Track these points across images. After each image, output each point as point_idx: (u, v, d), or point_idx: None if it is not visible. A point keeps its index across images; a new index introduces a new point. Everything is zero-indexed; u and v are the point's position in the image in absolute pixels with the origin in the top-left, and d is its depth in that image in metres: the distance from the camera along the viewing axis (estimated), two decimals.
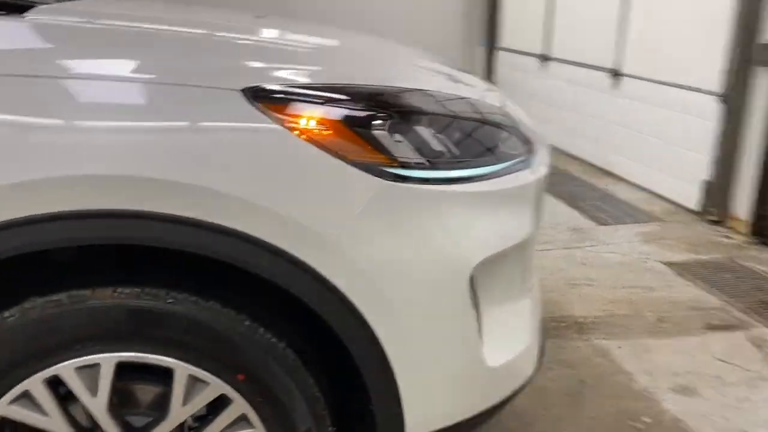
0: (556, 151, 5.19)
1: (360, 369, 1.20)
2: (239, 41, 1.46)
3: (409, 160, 1.19)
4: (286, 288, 1.14)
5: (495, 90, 1.70)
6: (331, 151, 1.11)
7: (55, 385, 1.15)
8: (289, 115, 1.11)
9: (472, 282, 1.31)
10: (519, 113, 1.66)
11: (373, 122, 1.18)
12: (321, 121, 1.13)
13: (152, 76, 1.10)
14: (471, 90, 1.55)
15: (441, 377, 1.28)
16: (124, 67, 1.11)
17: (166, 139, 1.06)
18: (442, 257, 1.22)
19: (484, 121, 1.43)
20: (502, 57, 6.29)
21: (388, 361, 1.20)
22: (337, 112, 1.16)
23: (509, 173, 1.41)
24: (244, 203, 1.07)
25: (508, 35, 6.17)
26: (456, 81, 1.61)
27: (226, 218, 1.06)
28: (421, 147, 1.24)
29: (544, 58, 5.36)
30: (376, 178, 1.14)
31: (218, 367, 1.16)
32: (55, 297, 1.10)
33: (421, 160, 1.21)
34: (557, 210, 3.77)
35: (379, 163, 1.15)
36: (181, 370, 1.15)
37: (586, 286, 2.83)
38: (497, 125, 1.45)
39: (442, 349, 1.27)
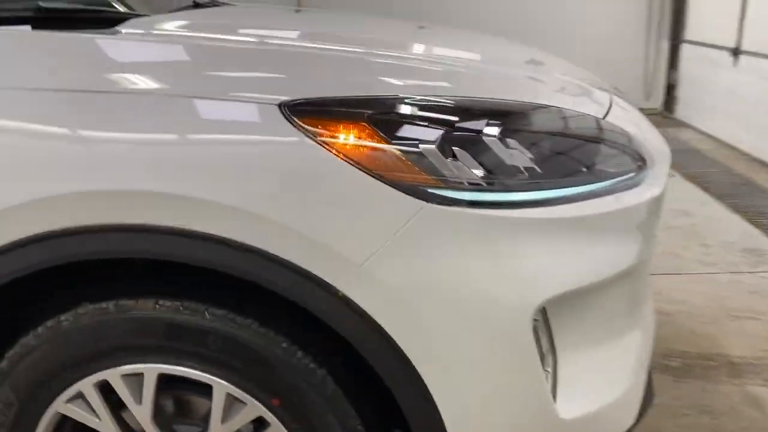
0: (744, 158, 4.58)
1: (403, 410, 1.10)
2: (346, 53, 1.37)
3: (459, 180, 1.05)
4: (318, 314, 1.06)
5: (617, 102, 1.49)
6: (366, 168, 1.02)
7: (108, 389, 1.17)
8: (321, 129, 1.03)
9: (546, 323, 1.15)
10: (639, 122, 1.45)
11: (417, 137, 1.06)
12: (355, 135, 1.04)
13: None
14: (586, 103, 1.38)
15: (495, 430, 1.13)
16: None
17: (194, 154, 1.03)
18: (491, 295, 1.07)
19: (576, 136, 1.26)
20: (687, 51, 5.70)
21: (433, 402, 1.08)
22: (373, 126, 1.05)
23: (608, 194, 1.21)
24: (266, 221, 1.01)
25: (695, 26, 5.57)
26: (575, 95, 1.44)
27: (248, 237, 1.01)
28: (486, 166, 1.10)
29: (736, 52, 4.76)
30: (416, 199, 1.02)
31: (255, 388, 1.12)
32: (103, 305, 1.12)
33: (476, 180, 1.06)
34: (731, 226, 3.32)
35: (423, 183, 1.04)
36: (219, 387, 1.13)
37: (750, 320, 2.44)
38: (596, 140, 1.26)
39: (497, 399, 1.12)
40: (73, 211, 1.04)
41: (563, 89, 1.48)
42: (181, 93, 1.06)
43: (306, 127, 1.03)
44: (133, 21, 1.38)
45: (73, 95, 1.06)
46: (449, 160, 1.07)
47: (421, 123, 1.09)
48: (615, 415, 1.27)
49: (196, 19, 1.64)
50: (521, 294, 1.08)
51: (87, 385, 1.16)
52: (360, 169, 1.03)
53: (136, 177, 1.02)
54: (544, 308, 1.16)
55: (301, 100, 1.05)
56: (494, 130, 1.14)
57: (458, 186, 1.07)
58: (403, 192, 1.03)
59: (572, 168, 1.22)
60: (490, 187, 1.09)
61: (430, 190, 1.05)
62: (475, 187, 1.08)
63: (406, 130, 1.08)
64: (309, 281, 1.04)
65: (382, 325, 1.06)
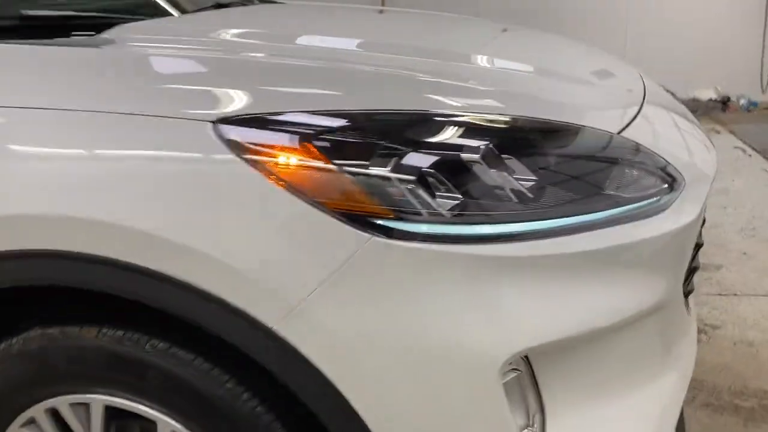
0: None
1: None
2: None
3: (416, 210, 0.90)
4: (255, 357, 0.95)
5: (648, 113, 1.27)
6: (305, 194, 0.89)
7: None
8: (256, 149, 0.91)
9: (532, 376, 0.98)
10: (679, 133, 1.23)
11: (368, 159, 0.92)
12: (295, 156, 0.91)
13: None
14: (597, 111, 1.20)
15: None
16: None
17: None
18: (449, 345, 0.91)
19: (582, 156, 1.07)
20: None
21: None
22: (319, 145, 0.92)
23: (618, 223, 1.02)
24: (189, 251, 0.90)
25: None
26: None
27: (168, 267, 0.91)
28: (457, 192, 0.94)
29: None
30: (362, 232, 0.88)
31: (199, 428, 1.02)
32: (50, 330, 1.06)
33: (438, 210, 0.91)
34: None
35: (371, 213, 0.90)
36: (163, 424, 1.04)
37: None
38: (607, 160, 1.07)
39: None
40: None
41: (591, 101, 1.27)
42: (106, 109, 0.97)
43: (240, 146, 0.91)
44: (117, 28, 1.32)
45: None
46: (408, 186, 0.92)
47: (378, 142, 0.94)
48: None
49: (191, 24, 1.55)
50: (486, 345, 0.93)
51: (39, 411, 1.11)
52: (298, 195, 0.90)
53: (43, 200, 0.94)
54: (527, 357, 0.99)
55: (238, 116, 0.93)
56: (473, 151, 0.97)
57: (414, 217, 0.92)
58: (347, 223, 0.89)
59: (572, 194, 1.03)
60: (456, 219, 0.93)
61: (379, 222, 0.90)
62: (436, 218, 0.92)
63: (357, 151, 0.94)
64: (240, 319, 0.92)
65: (325, 373, 0.93)
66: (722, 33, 5.60)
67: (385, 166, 0.92)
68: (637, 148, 1.11)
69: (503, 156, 1.01)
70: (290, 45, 1.38)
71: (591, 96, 1.30)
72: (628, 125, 1.15)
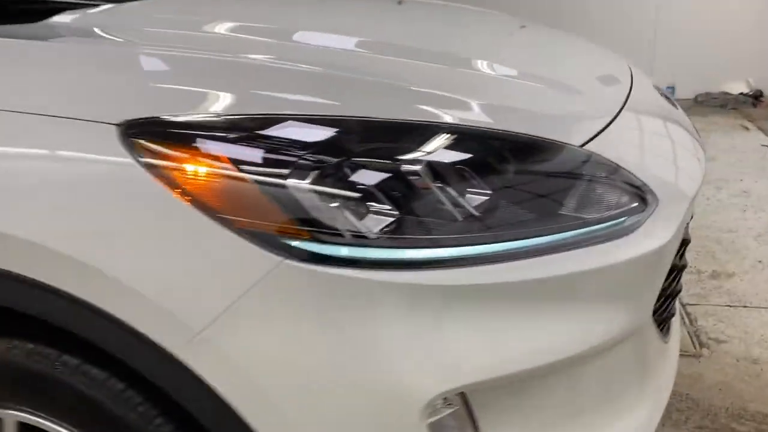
0: None
1: None
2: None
3: (337, 231, 0.81)
4: (158, 383, 0.87)
5: (627, 122, 1.16)
6: (211, 208, 0.80)
7: None
8: (160, 154, 0.82)
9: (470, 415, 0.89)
10: (651, 146, 1.12)
11: (286, 170, 0.82)
12: (203, 165, 0.82)
13: None
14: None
15: None
16: None
17: None
18: (368, 381, 0.82)
19: (538, 172, 0.96)
20: None
21: None
22: (230, 152, 0.83)
23: (579, 246, 0.92)
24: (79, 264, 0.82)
25: None
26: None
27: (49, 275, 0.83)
28: (389, 211, 0.84)
29: None
30: (273, 253, 0.79)
31: None
32: None
33: (363, 231, 0.81)
34: None
35: (284, 232, 0.80)
36: None
37: None
38: (567, 175, 0.96)
39: None
40: None
41: (565, 110, 1.15)
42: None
43: (144, 150, 0.82)
44: (63, 14, 1.24)
45: None
46: (329, 202, 0.82)
47: (298, 151, 0.85)
48: None
49: (153, 10, 1.46)
50: (408, 383, 0.83)
51: None
52: (202, 209, 0.81)
53: None
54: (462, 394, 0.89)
55: (146, 119, 0.84)
56: (411, 163, 0.87)
57: (334, 238, 0.82)
58: (256, 243, 0.80)
59: (525, 213, 0.93)
60: (386, 241, 0.83)
61: (292, 242, 0.81)
62: (360, 240, 0.83)
63: (272, 160, 0.84)
64: (141, 343, 0.84)
65: (231, 405, 0.84)
66: (756, 24, 5.34)
67: (302, 178, 0.82)
68: (602, 163, 1.00)
69: (449, 170, 0.91)
70: (248, 38, 1.28)
71: (566, 104, 1.19)
72: (595, 137, 1.04)
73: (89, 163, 0.86)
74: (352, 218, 0.82)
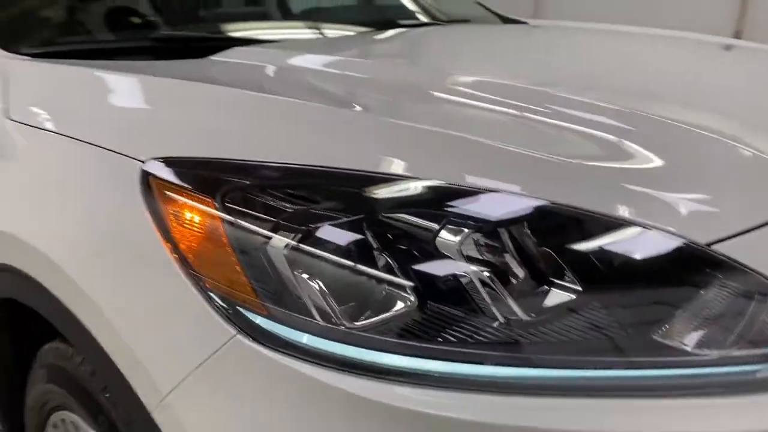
0: None
1: None
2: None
3: (303, 312, 0.68)
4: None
5: None
6: (190, 263, 0.73)
7: None
8: (167, 196, 0.78)
9: None
10: None
11: (269, 229, 0.72)
12: (197, 212, 0.76)
13: None
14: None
15: None
16: None
17: None
18: None
19: (619, 270, 0.71)
20: None
21: None
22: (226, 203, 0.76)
23: (666, 393, 0.68)
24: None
25: None
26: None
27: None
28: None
29: None
30: (229, 325, 0.69)
31: None
32: None
33: (333, 317, 0.67)
34: None
35: (245, 303, 0.70)
36: None
37: None
38: (671, 284, 0.70)
39: None
40: None
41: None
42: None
43: (156, 191, 0.79)
44: (225, 52, 1.31)
45: None
46: (301, 275, 0.69)
47: (282, 206, 0.72)
48: None
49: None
50: None
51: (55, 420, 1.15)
52: (177, 258, 0.73)
53: None
54: None
55: (168, 158, 0.80)
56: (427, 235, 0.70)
57: (297, 320, 0.68)
58: (216, 308, 0.70)
59: (594, 332, 0.67)
60: (365, 336, 0.66)
61: (251, 316, 0.69)
62: (327, 326, 0.67)
63: (258, 215, 0.73)
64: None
65: None
66: None
67: (281, 240, 0.69)
68: (737, 277, 0.65)
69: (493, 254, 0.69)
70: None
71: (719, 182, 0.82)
72: (743, 233, 0.68)
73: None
74: (322, 299, 0.66)
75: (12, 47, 1.36)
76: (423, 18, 2.31)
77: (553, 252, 0.71)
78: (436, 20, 2.29)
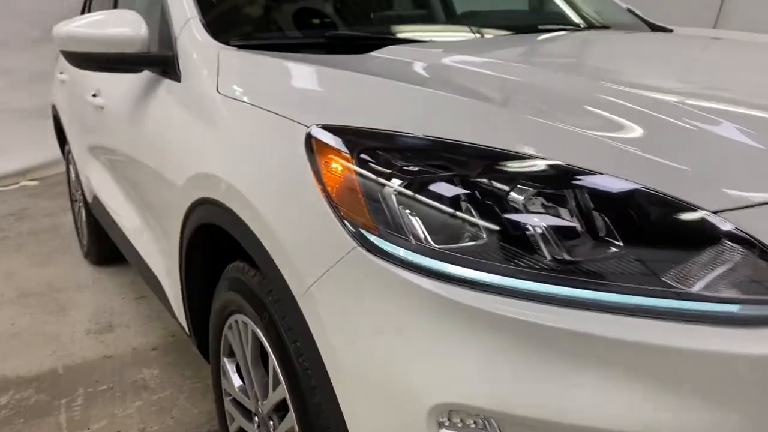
0: None
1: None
2: None
3: (402, 235, 0.99)
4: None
5: None
6: (330, 194, 1.07)
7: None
8: (321, 151, 1.12)
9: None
10: None
11: (385, 178, 1.03)
12: (337, 163, 1.09)
13: None
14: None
15: None
16: None
17: None
18: (384, 372, 0.97)
19: (639, 226, 0.95)
20: None
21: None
22: (358, 157, 1.08)
23: (663, 318, 0.90)
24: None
25: None
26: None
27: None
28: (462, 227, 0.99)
29: None
30: (352, 239, 1.02)
31: None
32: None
33: (423, 240, 0.97)
34: None
35: (364, 225, 1.02)
36: None
37: None
38: (677, 239, 0.93)
39: None
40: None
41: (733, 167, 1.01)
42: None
43: (315, 148, 1.13)
44: (382, 49, 1.64)
45: None
46: (404, 210, 1.00)
47: (400, 163, 1.03)
48: None
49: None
50: (418, 386, 0.93)
51: (231, 322, 1.55)
52: (324, 194, 1.07)
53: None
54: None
55: (325, 125, 1.15)
56: (513, 191, 0.97)
57: (398, 239, 0.99)
58: (346, 228, 1.03)
59: (616, 267, 0.91)
60: (438, 252, 0.96)
61: (367, 234, 1.01)
62: (419, 246, 0.97)
63: (381, 168, 1.04)
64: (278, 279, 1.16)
65: (318, 345, 1.09)
66: None
67: (390, 186, 1.00)
68: (734, 236, 0.86)
69: (547, 205, 0.95)
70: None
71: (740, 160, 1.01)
72: (748, 207, 0.89)
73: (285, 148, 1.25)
74: (416, 226, 0.95)
75: (222, 39, 1.79)
76: (573, 22, 2.50)
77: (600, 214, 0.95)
78: (587, 25, 2.47)
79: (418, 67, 1.57)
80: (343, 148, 1.13)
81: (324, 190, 1.11)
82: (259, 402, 1.50)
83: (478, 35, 2.22)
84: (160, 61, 1.90)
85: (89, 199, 3.40)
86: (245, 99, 1.47)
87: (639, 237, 0.94)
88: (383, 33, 2.18)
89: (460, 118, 1.17)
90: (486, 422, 0.95)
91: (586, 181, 0.99)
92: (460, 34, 2.39)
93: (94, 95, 2.68)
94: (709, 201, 0.94)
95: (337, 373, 1.09)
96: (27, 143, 5.69)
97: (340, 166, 1.12)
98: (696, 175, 0.99)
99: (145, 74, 2.05)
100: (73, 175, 3.93)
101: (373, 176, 1.06)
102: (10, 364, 2.80)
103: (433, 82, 1.48)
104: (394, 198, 1.03)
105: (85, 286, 3.66)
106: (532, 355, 0.91)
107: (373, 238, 1.02)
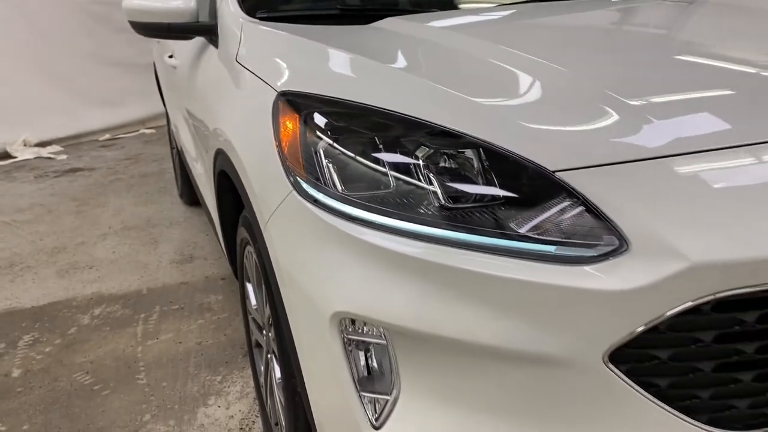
0: None
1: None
2: None
3: (317, 182, 1.26)
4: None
5: None
6: (282, 146, 1.35)
7: None
8: (280, 111, 1.41)
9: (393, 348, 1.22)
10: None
11: (317, 137, 1.31)
12: (289, 121, 1.38)
13: None
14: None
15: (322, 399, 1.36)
16: None
17: None
18: (306, 287, 1.26)
19: (494, 182, 1.18)
20: None
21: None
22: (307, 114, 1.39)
23: (507, 255, 1.13)
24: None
25: None
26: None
27: None
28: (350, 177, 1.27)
29: None
30: (290, 184, 1.30)
31: None
32: None
33: (329, 185, 1.24)
34: None
35: (299, 174, 1.30)
36: None
37: None
38: (524, 192, 1.15)
39: (322, 375, 1.30)
40: None
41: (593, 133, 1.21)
42: None
43: (279, 108, 1.41)
44: (382, 21, 1.88)
45: None
46: (328, 163, 1.26)
47: (334, 125, 1.30)
48: None
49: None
50: (318, 298, 1.22)
51: (246, 252, 1.88)
52: (278, 147, 1.35)
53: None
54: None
55: (288, 91, 1.42)
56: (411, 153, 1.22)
57: (320, 186, 1.26)
58: (288, 176, 1.31)
59: (478, 216, 1.15)
60: (347, 197, 1.22)
61: (300, 181, 1.28)
62: (335, 192, 1.24)
63: (317, 127, 1.31)
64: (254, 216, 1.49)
65: (273, 265, 1.40)
66: None
67: (326, 140, 1.26)
68: (567, 193, 1.07)
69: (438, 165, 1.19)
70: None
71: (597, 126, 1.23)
72: (584, 168, 1.08)
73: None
74: (330, 175, 1.22)
75: (250, 11, 2.08)
76: None
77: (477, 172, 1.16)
78: None
79: (394, 39, 1.79)
80: (294, 110, 1.39)
81: (279, 144, 1.38)
82: (263, 317, 1.83)
83: (493, 3, 2.37)
84: (205, 29, 2.22)
85: (179, 146, 3.86)
86: (248, 66, 1.76)
87: (499, 189, 1.15)
88: (392, 4, 2.38)
89: (393, 89, 1.41)
90: (377, 330, 1.21)
91: (469, 146, 1.21)
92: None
93: (170, 56, 3.07)
94: (551, 162, 1.15)
95: (283, 286, 1.38)
96: (146, 95, 6.30)
97: (291, 124, 1.38)
98: (547, 140, 1.22)
99: (198, 40, 2.38)
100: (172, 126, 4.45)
101: (309, 134, 1.32)
102: (106, 284, 3.34)
103: (393, 55, 1.71)
104: (322, 152, 1.28)
105: (176, 223, 4.18)
106: (408, 279, 1.14)
107: (303, 184, 1.28)
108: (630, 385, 1.08)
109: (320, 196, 1.26)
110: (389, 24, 1.94)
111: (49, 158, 6.14)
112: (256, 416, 2.23)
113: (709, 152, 1.14)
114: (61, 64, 6.68)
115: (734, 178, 1.11)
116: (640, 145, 1.20)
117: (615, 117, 1.26)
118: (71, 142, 6.61)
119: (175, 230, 4.08)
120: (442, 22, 2.03)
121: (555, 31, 2.01)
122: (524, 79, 1.45)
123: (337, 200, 1.24)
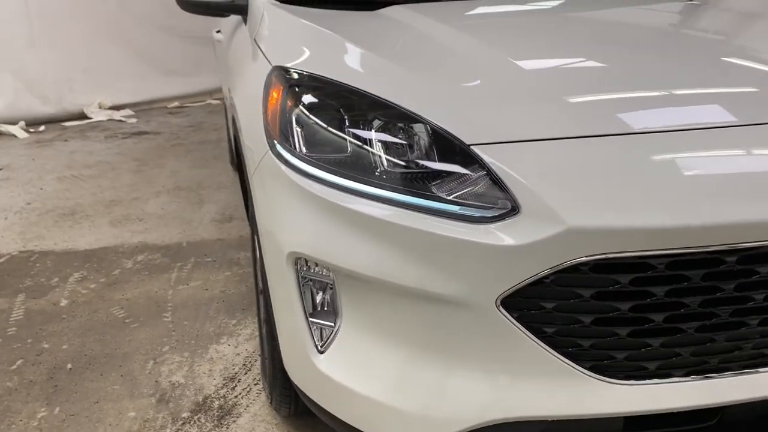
0: None
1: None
2: None
3: (288, 144, 1.50)
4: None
5: None
6: (267, 115, 1.60)
7: None
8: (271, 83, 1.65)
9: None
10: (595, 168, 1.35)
11: (289, 108, 1.55)
12: (275, 92, 1.62)
13: None
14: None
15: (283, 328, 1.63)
16: None
17: None
18: (271, 230, 1.52)
19: (421, 151, 1.39)
20: None
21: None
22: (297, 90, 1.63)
23: (418, 211, 1.36)
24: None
25: None
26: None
27: None
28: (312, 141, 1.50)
29: None
30: (267, 145, 1.55)
31: None
32: None
33: (296, 147, 1.48)
34: None
35: (275, 136, 1.55)
36: None
37: None
38: (441, 159, 1.36)
39: (282, 304, 1.55)
40: None
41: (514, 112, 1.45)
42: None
43: (271, 81, 1.66)
44: (387, 8, 2.09)
45: None
46: (297, 128, 1.50)
47: (310, 97, 1.54)
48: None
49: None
50: (280, 240, 1.47)
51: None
52: (264, 113, 1.60)
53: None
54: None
55: (280, 66, 1.66)
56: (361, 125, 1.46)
57: (289, 148, 1.51)
58: (267, 138, 1.56)
59: (407, 180, 1.36)
60: (308, 158, 1.46)
61: (275, 143, 1.53)
62: (300, 153, 1.48)
63: (294, 98, 1.55)
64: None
65: (255, 212, 1.66)
66: None
67: (298, 108, 1.50)
68: (478, 164, 1.27)
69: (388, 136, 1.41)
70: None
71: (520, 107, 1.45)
72: (495, 143, 1.28)
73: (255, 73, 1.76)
74: (297, 141, 1.45)
75: None
76: None
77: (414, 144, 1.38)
78: None
79: (390, 27, 2.00)
80: (280, 82, 1.62)
81: (264, 111, 1.62)
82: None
83: None
84: (238, 8, 2.47)
85: (231, 116, 4.19)
86: (261, 45, 2.00)
87: (427, 159, 1.36)
88: None
89: (372, 72, 1.63)
90: (325, 270, 1.44)
91: (411, 120, 1.44)
92: None
93: (218, 31, 3.37)
94: (469, 137, 1.36)
95: (261, 230, 1.64)
96: (214, 67, 6.68)
97: (276, 95, 1.62)
98: (471, 120, 1.42)
99: (235, 17, 2.65)
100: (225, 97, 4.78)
101: (289, 103, 1.55)
102: (151, 235, 3.70)
103: (383, 42, 1.91)
104: (294, 120, 1.51)
105: (224, 187, 4.52)
106: (350, 230, 1.36)
107: (277, 146, 1.53)
108: (520, 329, 1.27)
109: (288, 156, 1.50)
110: (392, 12, 2.13)
111: (121, 121, 6.64)
112: (260, 355, 2.50)
113: (602, 137, 1.33)
114: (138, 33, 7.15)
115: (617, 159, 1.28)
116: (545, 127, 1.39)
117: (534, 102, 1.46)
118: (142, 107, 7.10)
119: (222, 193, 4.41)
120: (438, 13, 2.22)
121: (531, 26, 2.16)
122: (480, 70, 1.66)
123: (300, 160, 1.48)
